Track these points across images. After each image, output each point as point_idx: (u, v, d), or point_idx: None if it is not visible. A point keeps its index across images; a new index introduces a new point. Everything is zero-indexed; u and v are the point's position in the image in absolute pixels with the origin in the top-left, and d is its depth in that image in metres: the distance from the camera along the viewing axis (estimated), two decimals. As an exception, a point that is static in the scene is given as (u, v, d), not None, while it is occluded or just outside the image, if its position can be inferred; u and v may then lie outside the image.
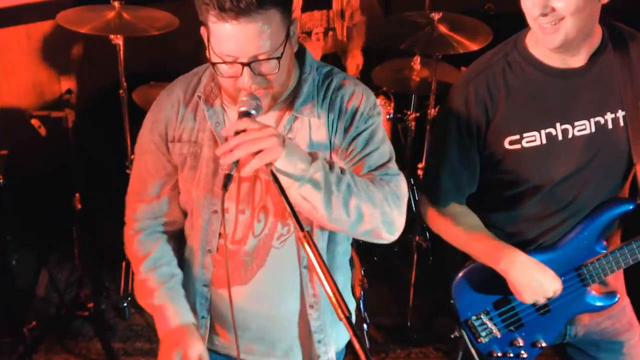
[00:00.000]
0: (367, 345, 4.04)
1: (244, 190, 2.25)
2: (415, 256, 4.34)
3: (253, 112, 2.02)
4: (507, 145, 2.46)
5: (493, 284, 2.61)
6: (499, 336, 2.70)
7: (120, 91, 4.18)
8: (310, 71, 2.22)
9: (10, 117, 4.88)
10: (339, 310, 1.74)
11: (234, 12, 1.91)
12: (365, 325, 4.05)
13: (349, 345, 2.54)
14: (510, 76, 2.44)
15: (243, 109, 2.02)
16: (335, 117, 2.20)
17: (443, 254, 4.64)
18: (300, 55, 2.22)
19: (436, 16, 3.99)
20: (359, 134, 2.19)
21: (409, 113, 4.49)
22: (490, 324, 2.68)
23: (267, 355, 2.48)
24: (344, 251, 2.44)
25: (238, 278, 2.33)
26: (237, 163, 1.94)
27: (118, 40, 4.01)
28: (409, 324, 4.33)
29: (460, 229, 2.60)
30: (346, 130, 2.19)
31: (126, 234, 2.44)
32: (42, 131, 4.43)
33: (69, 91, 4.90)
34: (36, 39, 4.87)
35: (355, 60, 4.72)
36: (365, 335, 4.09)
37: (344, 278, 2.50)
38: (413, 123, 4.48)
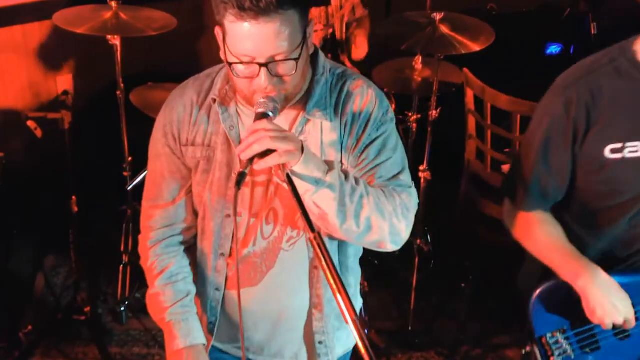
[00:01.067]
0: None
1: (258, 195, 2.25)
2: (417, 259, 4.34)
3: (270, 114, 2.01)
4: (608, 154, 2.36)
5: (573, 303, 2.53)
6: (572, 357, 2.61)
7: (118, 92, 4.18)
8: (323, 72, 2.21)
9: (5, 118, 4.88)
10: (346, 314, 1.74)
11: (253, 11, 1.90)
12: (365, 330, 4.05)
13: (354, 350, 2.55)
14: (618, 82, 2.32)
15: (260, 110, 2.01)
16: (348, 120, 2.20)
17: (445, 257, 4.67)
18: (313, 56, 2.21)
19: (438, 16, 3.99)
20: (371, 142, 2.19)
21: (410, 114, 4.48)
22: (565, 344, 2.59)
23: (276, 356, 2.49)
24: (356, 252, 2.45)
25: (248, 280, 2.35)
26: (252, 161, 1.93)
27: (115, 40, 4.01)
28: (410, 328, 4.32)
29: (541, 237, 2.54)
30: (359, 136, 2.19)
31: (142, 245, 2.43)
32: (38, 133, 4.41)
33: (65, 92, 4.87)
34: (32, 40, 4.86)
35: (360, 50, 4.72)
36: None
37: (355, 279, 2.51)
38: (414, 125, 4.47)
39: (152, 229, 2.39)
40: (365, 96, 2.21)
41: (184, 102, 2.27)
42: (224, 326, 2.47)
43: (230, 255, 2.34)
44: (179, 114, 2.27)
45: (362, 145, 2.19)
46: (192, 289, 2.41)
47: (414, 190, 2.21)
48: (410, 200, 2.18)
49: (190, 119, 2.26)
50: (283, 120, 2.18)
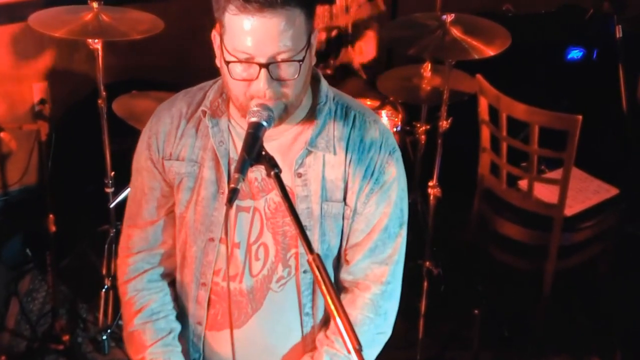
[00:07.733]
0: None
1: (242, 221, 2.24)
2: (426, 283, 4.33)
3: (264, 123, 1.99)
4: None
5: None
6: None
7: (99, 101, 4.17)
8: (326, 101, 2.21)
9: (-24, 130, 4.88)
10: (347, 342, 1.75)
11: (258, 3, 1.91)
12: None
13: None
14: None
15: (254, 119, 2.00)
16: (354, 158, 2.19)
17: (456, 281, 4.66)
18: (315, 83, 2.21)
19: (448, 18, 4.00)
20: (376, 189, 2.22)
21: (418, 125, 4.49)
22: None
23: None
24: None
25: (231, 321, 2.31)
26: (244, 177, 1.91)
27: (96, 44, 4.01)
28: (418, 357, 4.31)
29: None
30: (364, 178, 2.20)
31: (120, 272, 2.41)
32: (13, 145, 4.43)
33: (42, 101, 4.90)
34: (5, 44, 4.87)
35: (365, 54, 4.73)
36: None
37: None
38: (423, 136, 4.48)
39: (130, 252, 2.37)
40: (373, 133, 2.22)
41: (172, 113, 2.27)
42: None
43: (211, 288, 2.32)
44: (165, 126, 2.26)
45: (368, 193, 2.22)
46: (176, 326, 2.38)
47: (398, 289, 2.50)
48: (390, 324, 2.47)
49: (176, 132, 2.25)
50: (279, 148, 2.17)
